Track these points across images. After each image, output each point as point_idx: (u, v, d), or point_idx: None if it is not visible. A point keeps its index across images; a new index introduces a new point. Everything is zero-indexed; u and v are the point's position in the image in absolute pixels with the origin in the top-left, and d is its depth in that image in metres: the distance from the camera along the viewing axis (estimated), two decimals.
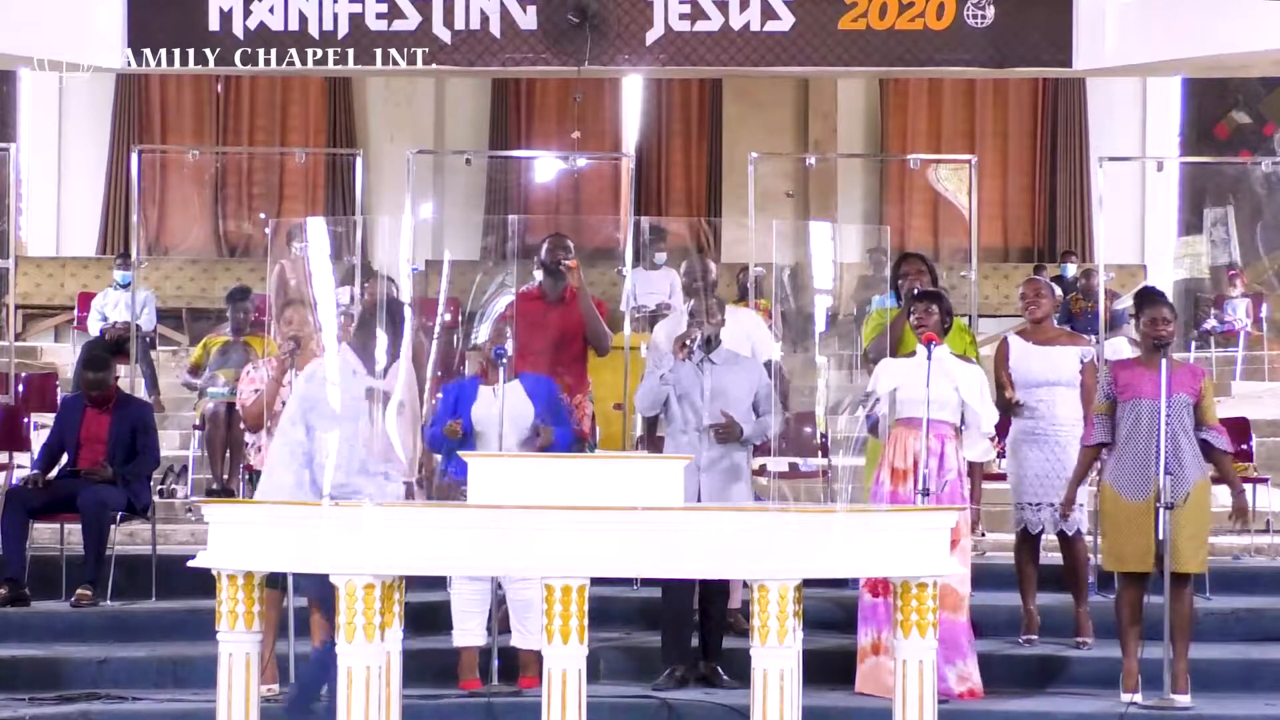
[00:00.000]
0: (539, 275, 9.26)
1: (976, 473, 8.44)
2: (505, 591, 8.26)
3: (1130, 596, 8.01)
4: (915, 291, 8.65)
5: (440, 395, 8.62)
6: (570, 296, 9.14)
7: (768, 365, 8.79)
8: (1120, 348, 13.61)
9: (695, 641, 8.38)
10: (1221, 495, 8.55)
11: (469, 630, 8.23)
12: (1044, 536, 8.92)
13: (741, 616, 8.45)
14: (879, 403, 8.17)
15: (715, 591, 8.27)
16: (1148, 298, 8.33)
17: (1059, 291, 11.86)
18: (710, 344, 8.31)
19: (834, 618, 8.96)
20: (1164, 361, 7.86)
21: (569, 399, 8.89)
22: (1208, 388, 8.06)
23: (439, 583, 8.71)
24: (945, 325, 8.29)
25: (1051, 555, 9.11)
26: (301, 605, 8.20)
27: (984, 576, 8.91)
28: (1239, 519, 8.14)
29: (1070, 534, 8.76)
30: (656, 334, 9.55)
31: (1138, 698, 7.90)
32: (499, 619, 8.36)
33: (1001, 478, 10.73)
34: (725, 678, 8.08)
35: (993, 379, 9.01)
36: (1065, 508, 8.36)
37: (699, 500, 7.94)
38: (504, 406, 8.09)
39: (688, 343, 8.25)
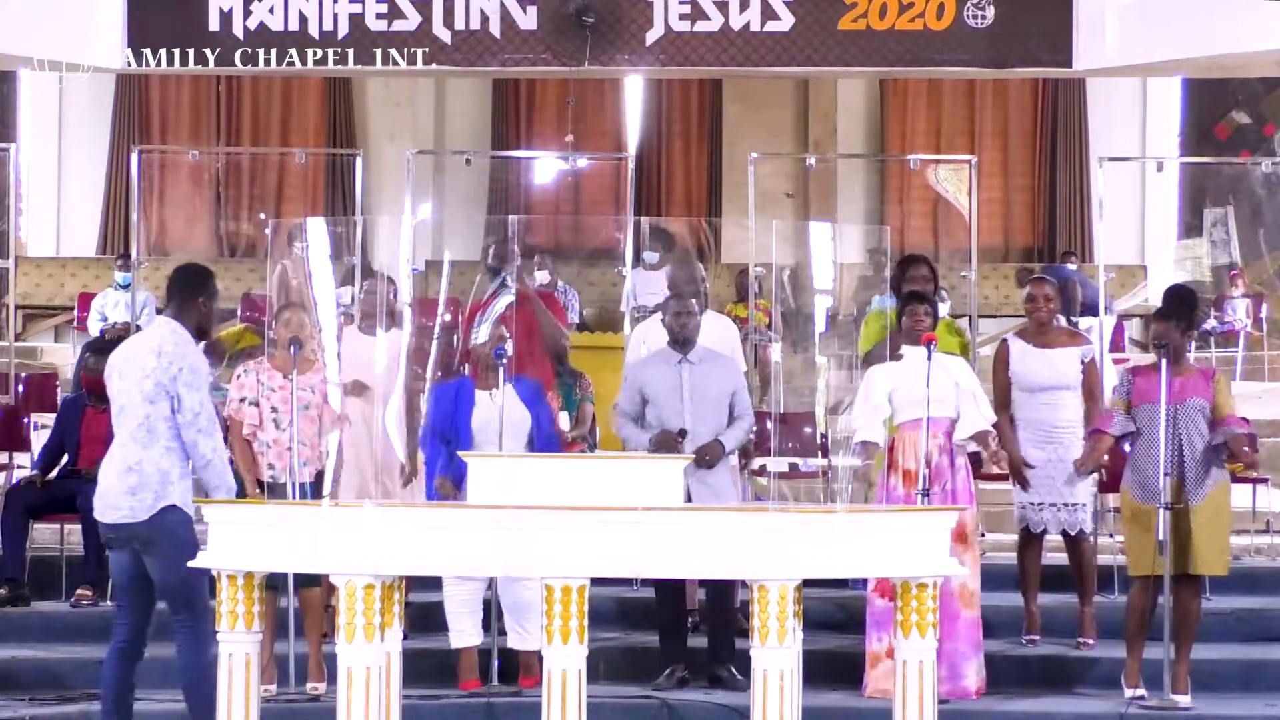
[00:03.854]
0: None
1: (986, 438, 8.38)
2: (498, 594, 8.24)
3: (1142, 601, 8.00)
4: (902, 294, 8.66)
5: (429, 395, 8.60)
6: (522, 298, 9.10)
7: None
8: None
9: (699, 642, 8.39)
10: (1239, 496, 8.55)
11: (465, 631, 8.24)
12: (1047, 536, 8.91)
13: (741, 616, 8.45)
14: (865, 445, 8.16)
15: (720, 593, 8.25)
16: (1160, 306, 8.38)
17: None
18: (687, 345, 8.31)
19: (834, 618, 8.96)
20: (1163, 363, 7.88)
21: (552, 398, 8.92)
22: (1220, 385, 8.05)
23: (439, 583, 8.71)
24: (934, 324, 8.33)
25: (1055, 555, 9.11)
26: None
27: (984, 576, 8.89)
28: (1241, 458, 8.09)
29: (1073, 534, 8.76)
30: (639, 335, 9.51)
31: (1141, 691, 7.91)
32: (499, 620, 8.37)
33: (1001, 478, 10.73)
34: (740, 678, 7.96)
35: (991, 382, 9.00)
36: (1079, 466, 8.22)
37: (688, 501, 7.94)
38: (503, 409, 8.08)
39: (683, 340, 8.25)
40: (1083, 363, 8.85)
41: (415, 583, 7.74)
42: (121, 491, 6.59)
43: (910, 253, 10.76)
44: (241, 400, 8.26)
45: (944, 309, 10.10)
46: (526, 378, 8.43)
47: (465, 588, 8.21)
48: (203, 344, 6.85)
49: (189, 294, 6.79)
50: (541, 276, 11.93)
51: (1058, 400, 8.74)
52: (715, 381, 8.27)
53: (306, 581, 7.86)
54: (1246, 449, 7.99)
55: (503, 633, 8.28)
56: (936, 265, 9.69)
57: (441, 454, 8.22)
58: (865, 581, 8.37)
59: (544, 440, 8.23)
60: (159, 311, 6.91)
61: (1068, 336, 9.19)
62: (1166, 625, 7.82)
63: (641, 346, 9.23)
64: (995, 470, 10.42)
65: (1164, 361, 7.88)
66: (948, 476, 8.08)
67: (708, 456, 8.14)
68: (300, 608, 8.18)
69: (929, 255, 11.18)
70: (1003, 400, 8.87)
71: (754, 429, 8.49)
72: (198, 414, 6.59)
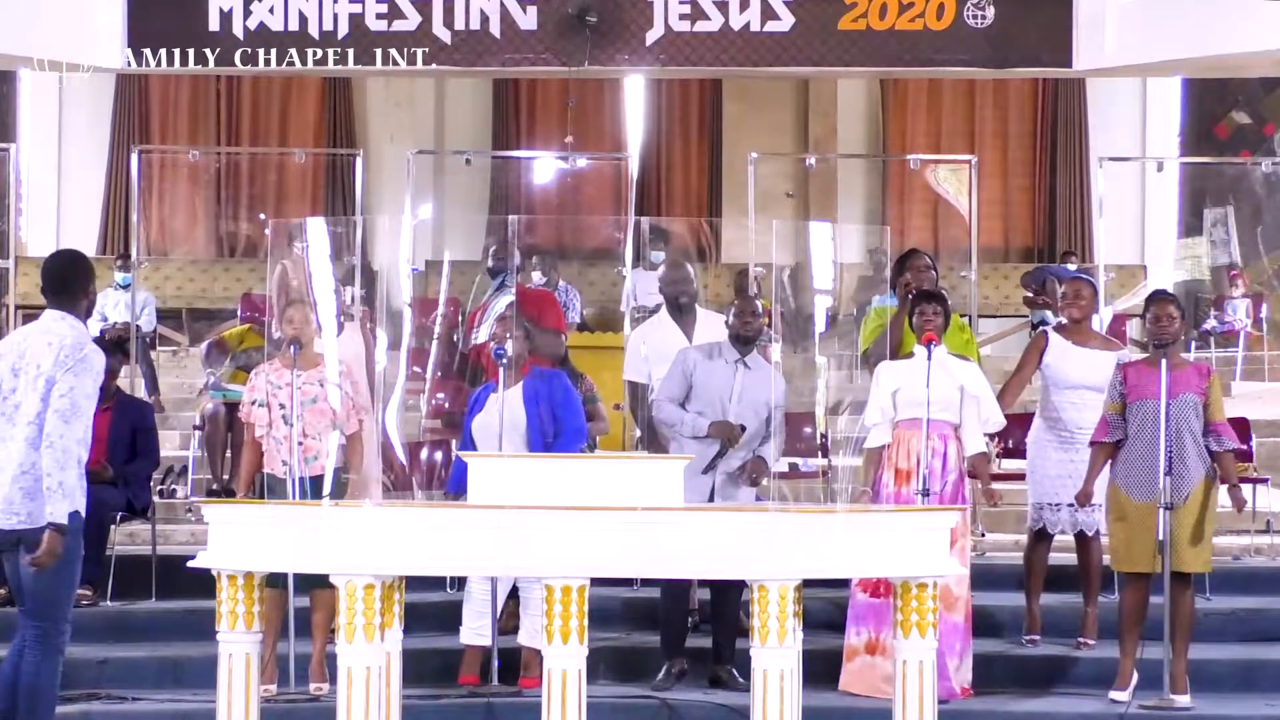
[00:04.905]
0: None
1: (983, 467, 8.40)
2: (520, 589, 8.24)
3: (1134, 597, 8.01)
4: (913, 292, 8.65)
5: (461, 402, 8.61)
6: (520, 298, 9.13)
7: None
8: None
9: (699, 641, 8.38)
10: (1219, 495, 8.54)
11: (476, 629, 8.23)
12: (1056, 537, 8.92)
13: (743, 615, 8.45)
14: (869, 453, 8.21)
15: (725, 593, 8.25)
16: (1154, 297, 8.33)
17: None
18: (749, 345, 8.31)
19: (834, 618, 8.96)
20: (1164, 361, 7.87)
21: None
22: (1215, 385, 8.05)
23: (439, 583, 8.72)
24: (945, 324, 8.32)
25: (1054, 554, 9.10)
26: (301, 605, 8.21)
27: (984, 576, 8.91)
28: (1238, 509, 8.10)
29: (1090, 534, 8.76)
30: (639, 335, 9.50)
31: (1124, 695, 7.90)
32: (502, 618, 8.35)
33: (1003, 478, 10.74)
34: (741, 680, 7.89)
35: (1020, 365, 9.02)
36: (1082, 499, 8.31)
37: (711, 498, 7.97)
38: (503, 409, 8.08)
39: (748, 337, 8.27)
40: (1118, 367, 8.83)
41: (415, 582, 7.73)
42: (18, 497, 6.31)
43: (910, 247, 10.75)
44: (252, 403, 8.27)
45: None
46: (548, 369, 8.42)
47: (487, 588, 8.19)
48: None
49: (79, 284, 6.52)
50: (536, 278, 11.93)
51: (1085, 400, 8.70)
52: (762, 390, 8.27)
53: (322, 582, 7.83)
54: (1238, 487, 8.07)
55: (504, 632, 8.28)
56: (937, 262, 9.70)
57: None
58: None
59: (571, 432, 8.21)
60: (51, 306, 6.49)
61: (1102, 339, 9.20)
62: (1166, 625, 7.82)
63: (641, 346, 9.23)
64: (993, 470, 10.43)
65: (1164, 361, 7.88)
66: (940, 479, 8.07)
67: (755, 475, 8.18)
68: (312, 606, 8.18)
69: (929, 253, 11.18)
70: (1022, 382, 8.92)
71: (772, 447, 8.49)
72: (63, 395, 6.25)
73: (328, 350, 8.41)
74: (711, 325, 8.99)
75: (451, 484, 8.29)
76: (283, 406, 8.12)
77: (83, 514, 6.42)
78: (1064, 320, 9.26)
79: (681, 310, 9.11)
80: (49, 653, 6.38)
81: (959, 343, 8.69)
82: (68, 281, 6.54)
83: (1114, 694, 7.96)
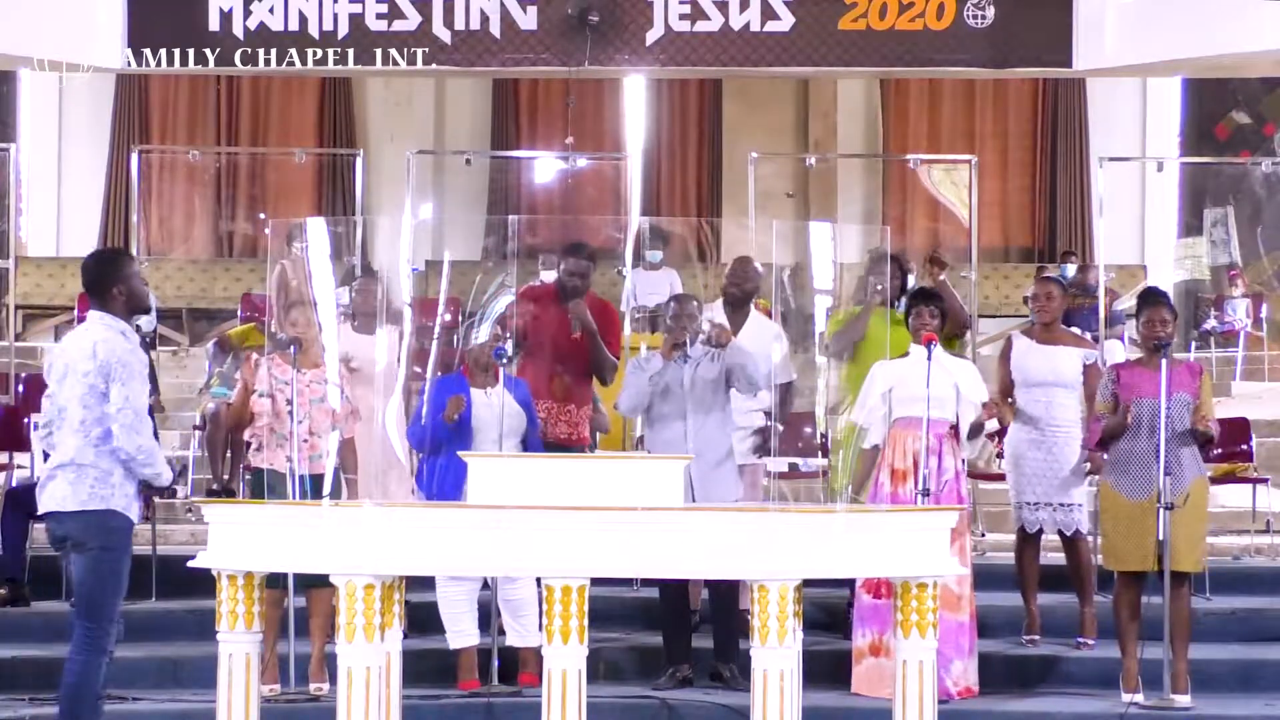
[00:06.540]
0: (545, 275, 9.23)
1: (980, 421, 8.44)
2: (494, 593, 8.24)
3: (1128, 596, 8.03)
4: (910, 292, 8.66)
5: (431, 387, 8.59)
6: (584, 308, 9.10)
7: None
8: (1114, 350, 13.62)
9: (702, 642, 8.37)
10: (1219, 495, 8.54)
11: (462, 631, 8.24)
12: (1044, 536, 8.92)
13: (747, 614, 8.43)
14: (864, 452, 8.20)
15: (722, 592, 8.24)
16: (1148, 298, 8.33)
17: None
18: (681, 347, 8.30)
19: (829, 619, 8.97)
20: (1164, 362, 7.87)
21: (553, 405, 8.88)
22: (1206, 385, 8.07)
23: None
24: (942, 324, 8.32)
25: (1053, 555, 9.11)
26: (301, 605, 8.21)
27: (984, 576, 8.91)
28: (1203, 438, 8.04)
29: (1069, 534, 8.75)
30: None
31: (1139, 697, 7.90)
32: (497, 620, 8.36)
33: (1001, 478, 10.74)
34: (741, 679, 7.81)
35: (996, 376, 9.04)
36: (1094, 463, 8.27)
37: (691, 492, 7.94)
38: (504, 408, 8.08)
39: (679, 343, 8.21)
40: (1085, 365, 8.85)
41: (415, 583, 7.73)
42: (63, 484, 6.47)
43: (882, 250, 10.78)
44: (253, 393, 8.27)
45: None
46: (519, 379, 8.43)
47: (459, 588, 8.21)
48: (145, 318, 6.69)
49: (103, 284, 6.61)
50: (547, 276, 11.92)
51: (1052, 398, 8.75)
52: (715, 371, 8.26)
53: (319, 581, 7.84)
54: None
55: (502, 632, 8.28)
56: (910, 265, 9.77)
57: (427, 439, 8.23)
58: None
59: (531, 444, 8.23)
60: (92, 307, 6.65)
61: (1073, 338, 9.22)
62: (1166, 625, 7.82)
63: (642, 347, 9.22)
64: (993, 470, 10.44)
65: (1164, 361, 7.88)
66: (937, 478, 8.07)
67: (719, 338, 8.14)
68: (309, 606, 8.19)
69: (910, 256, 11.20)
70: (1003, 391, 8.92)
71: (780, 386, 8.46)
72: (121, 409, 6.42)
73: (332, 351, 8.42)
74: (759, 326, 8.96)
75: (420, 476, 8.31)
76: (289, 403, 8.13)
77: (133, 518, 6.58)
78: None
79: (734, 306, 9.09)
80: (93, 653, 6.49)
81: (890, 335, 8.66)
82: (96, 280, 6.68)
83: (1127, 697, 7.95)
